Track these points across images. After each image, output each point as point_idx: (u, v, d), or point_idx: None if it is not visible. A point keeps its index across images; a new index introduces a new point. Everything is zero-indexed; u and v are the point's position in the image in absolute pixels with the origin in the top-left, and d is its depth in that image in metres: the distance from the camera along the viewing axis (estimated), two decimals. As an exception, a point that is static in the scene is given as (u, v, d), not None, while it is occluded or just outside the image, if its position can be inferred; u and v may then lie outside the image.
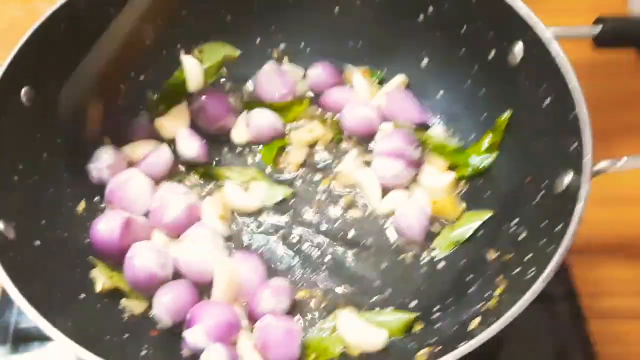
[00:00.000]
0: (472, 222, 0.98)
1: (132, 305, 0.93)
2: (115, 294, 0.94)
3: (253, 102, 1.14)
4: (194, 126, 1.11)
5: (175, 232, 0.99)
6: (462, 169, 1.04)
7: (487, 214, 0.98)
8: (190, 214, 1.00)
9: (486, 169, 1.03)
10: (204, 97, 1.10)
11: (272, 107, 1.12)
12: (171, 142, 1.09)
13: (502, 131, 1.01)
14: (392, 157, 1.02)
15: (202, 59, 1.15)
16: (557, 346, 0.96)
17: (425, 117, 1.10)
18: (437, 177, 1.04)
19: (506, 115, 1.00)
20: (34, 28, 0.95)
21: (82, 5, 0.99)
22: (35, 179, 0.94)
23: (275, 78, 1.14)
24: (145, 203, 1.00)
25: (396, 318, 0.91)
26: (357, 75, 1.14)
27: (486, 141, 1.02)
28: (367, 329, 0.90)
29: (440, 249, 0.98)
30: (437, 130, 1.09)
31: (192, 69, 1.13)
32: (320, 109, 1.14)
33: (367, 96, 1.13)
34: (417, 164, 1.04)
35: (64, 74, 0.98)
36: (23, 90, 0.93)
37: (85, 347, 0.72)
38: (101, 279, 0.93)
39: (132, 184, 1.00)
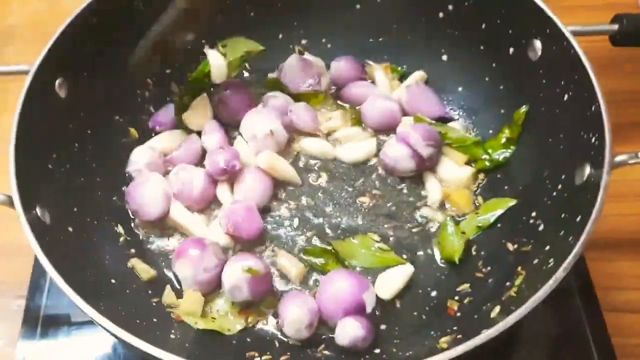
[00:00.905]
0: (496, 209, 1.00)
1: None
2: (143, 281, 0.97)
3: (274, 81, 1.17)
4: (215, 118, 1.13)
5: (204, 204, 1.04)
6: (481, 163, 1.07)
7: (511, 202, 1.00)
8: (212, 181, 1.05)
9: (504, 162, 1.05)
10: (226, 90, 1.12)
11: (293, 96, 1.14)
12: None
13: (520, 126, 1.03)
14: (401, 141, 1.04)
15: (225, 53, 1.17)
16: (573, 338, 0.97)
17: (444, 111, 1.13)
18: (456, 170, 1.06)
19: (523, 110, 1.02)
20: (67, 22, 0.98)
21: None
22: (67, 168, 0.96)
23: (300, 69, 1.16)
24: (158, 206, 1.02)
25: None
26: (379, 71, 1.17)
27: (504, 135, 1.05)
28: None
29: (468, 234, 1.00)
30: (457, 124, 1.12)
31: (216, 62, 1.14)
32: (341, 102, 1.17)
33: (388, 90, 1.15)
34: (423, 162, 1.05)
35: (95, 65, 1.02)
36: (57, 82, 0.96)
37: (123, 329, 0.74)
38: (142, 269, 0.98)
39: (146, 188, 1.02)
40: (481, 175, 1.07)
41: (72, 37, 0.97)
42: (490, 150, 1.06)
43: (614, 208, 1.07)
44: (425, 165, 1.05)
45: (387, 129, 1.12)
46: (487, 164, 1.06)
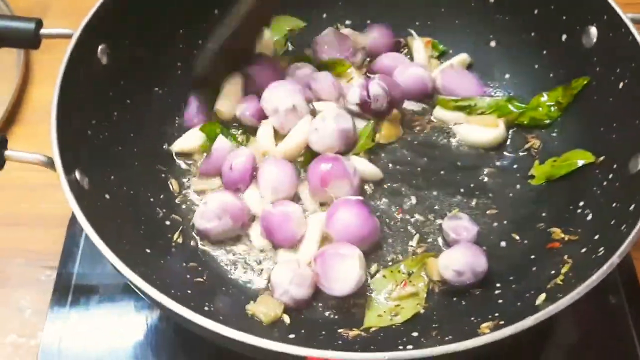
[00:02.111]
0: (574, 160, 0.97)
1: None
2: (177, 251, 0.96)
3: (298, 57, 1.14)
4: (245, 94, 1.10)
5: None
6: (512, 115, 1.06)
7: (590, 157, 0.95)
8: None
9: (541, 123, 1.04)
10: (253, 65, 1.10)
11: (319, 64, 1.12)
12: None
13: (574, 95, 1.00)
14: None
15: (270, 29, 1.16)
16: (618, 335, 0.95)
17: (483, 90, 1.10)
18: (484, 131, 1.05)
19: (583, 79, 0.99)
20: (111, -13, 0.96)
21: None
22: (105, 136, 0.95)
23: (335, 42, 1.13)
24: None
25: None
26: (418, 43, 1.14)
27: (556, 98, 1.03)
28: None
29: (535, 180, 0.99)
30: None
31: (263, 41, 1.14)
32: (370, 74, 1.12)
33: (423, 61, 1.13)
34: (368, 104, 1.02)
35: (138, 34, 1.01)
36: (100, 48, 0.95)
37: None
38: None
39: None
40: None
41: (116, 3, 0.96)
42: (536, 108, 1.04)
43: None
44: (370, 109, 1.03)
45: (418, 96, 1.09)
46: (524, 120, 1.05)
